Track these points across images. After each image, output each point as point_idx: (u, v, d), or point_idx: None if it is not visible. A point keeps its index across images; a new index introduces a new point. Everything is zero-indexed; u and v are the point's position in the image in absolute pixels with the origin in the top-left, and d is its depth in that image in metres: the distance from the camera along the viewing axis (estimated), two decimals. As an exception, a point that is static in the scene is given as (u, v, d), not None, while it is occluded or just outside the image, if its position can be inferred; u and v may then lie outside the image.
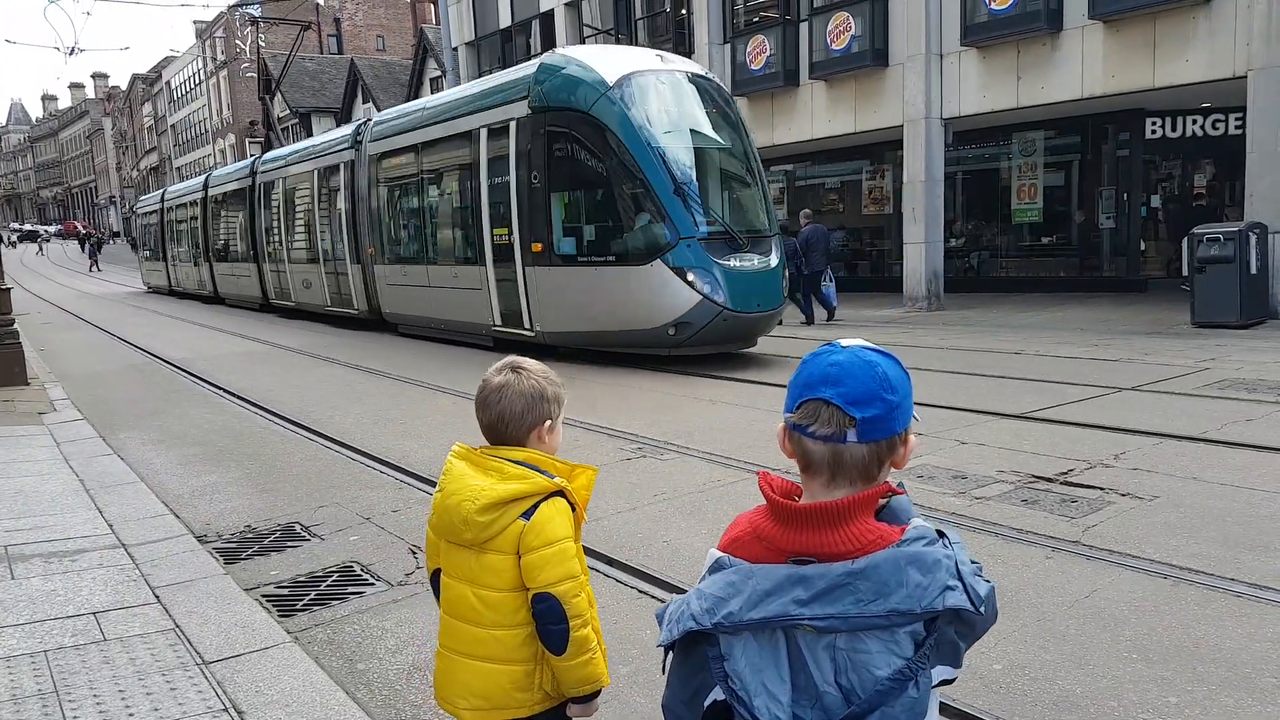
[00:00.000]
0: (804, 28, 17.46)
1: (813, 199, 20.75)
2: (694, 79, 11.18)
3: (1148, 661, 3.24)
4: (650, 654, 3.25)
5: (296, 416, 8.44)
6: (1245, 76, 12.09)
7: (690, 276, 9.89)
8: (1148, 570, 4.04)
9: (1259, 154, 12.01)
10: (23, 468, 6.52)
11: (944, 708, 2.84)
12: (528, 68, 11.73)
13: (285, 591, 4.29)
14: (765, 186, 11.35)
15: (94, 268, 46.36)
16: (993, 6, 14.54)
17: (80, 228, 77.04)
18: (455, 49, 27.90)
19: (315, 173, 17.65)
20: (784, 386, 1.30)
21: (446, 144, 13.22)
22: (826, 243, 15.35)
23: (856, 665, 1.17)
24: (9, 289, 10.47)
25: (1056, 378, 8.63)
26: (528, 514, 1.86)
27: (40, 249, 63.76)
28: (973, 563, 1.22)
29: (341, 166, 16.39)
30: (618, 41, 21.11)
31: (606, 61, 10.78)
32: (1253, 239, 11.41)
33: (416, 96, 30.68)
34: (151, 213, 31.88)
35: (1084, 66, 13.80)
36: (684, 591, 1.29)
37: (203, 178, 26.66)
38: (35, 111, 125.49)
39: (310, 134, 32.02)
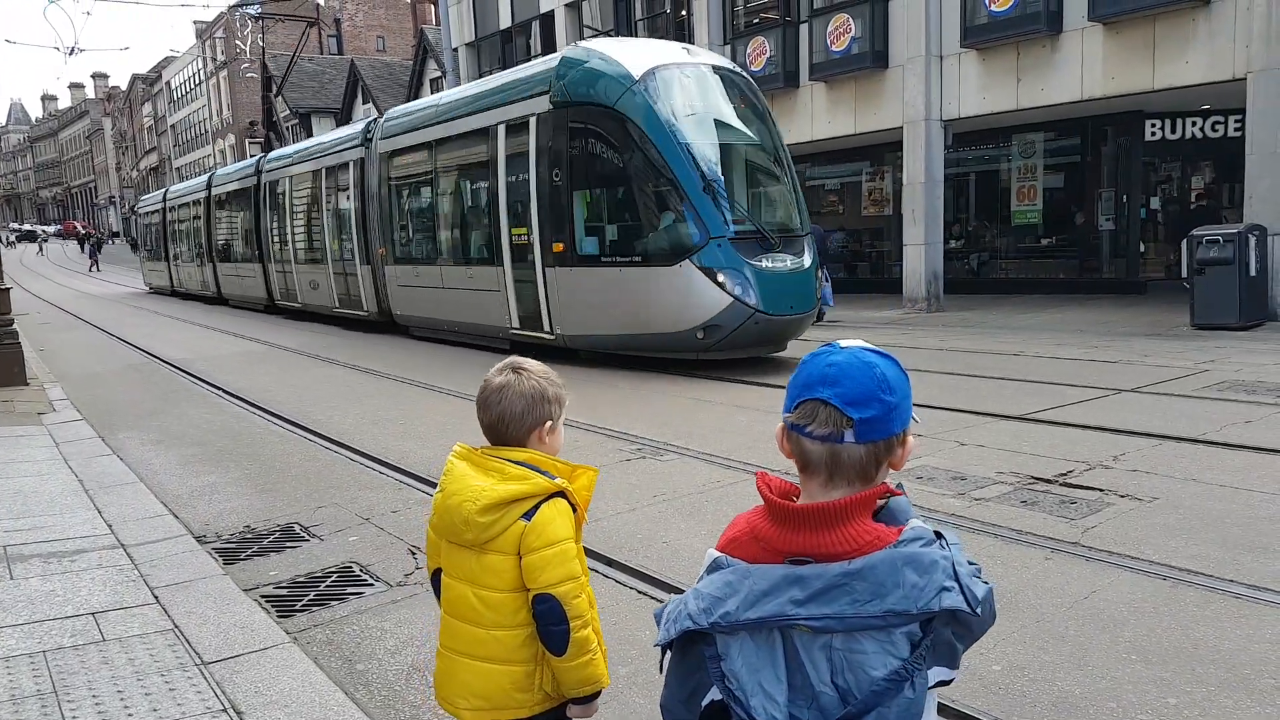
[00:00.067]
0: (804, 29, 17.47)
1: (813, 200, 20.74)
2: (722, 72, 10.85)
3: (1147, 663, 3.25)
4: (649, 655, 3.24)
5: (296, 417, 8.44)
6: (1245, 78, 12.10)
7: (720, 277, 9.51)
8: (1147, 571, 4.04)
9: (1258, 156, 12.02)
10: (22, 468, 6.52)
11: (943, 708, 2.84)
12: (548, 62, 11.36)
13: (284, 592, 4.29)
14: (796, 183, 10.96)
15: (94, 268, 46.39)
16: (993, 8, 14.55)
17: (80, 228, 77.04)
18: (455, 50, 27.92)
19: (323, 171, 17.34)
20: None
21: (461, 141, 12.85)
22: (823, 244, 15.35)
23: (853, 665, 1.17)
24: (8, 289, 10.48)
25: (1056, 379, 8.63)
26: (529, 515, 1.86)
27: (40, 249, 63.78)
28: (971, 564, 1.22)
29: (350, 165, 16.06)
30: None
31: (631, 54, 10.43)
32: (1252, 241, 11.41)
33: (416, 97, 30.67)
34: (153, 212, 31.69)
35: (1084, 68, 13.81)
36: (683, 592, 1.29)
37: (206, 177, 26.44)
38: (35, 111, 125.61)
39: (310, 134, 31.95)
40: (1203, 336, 10.98)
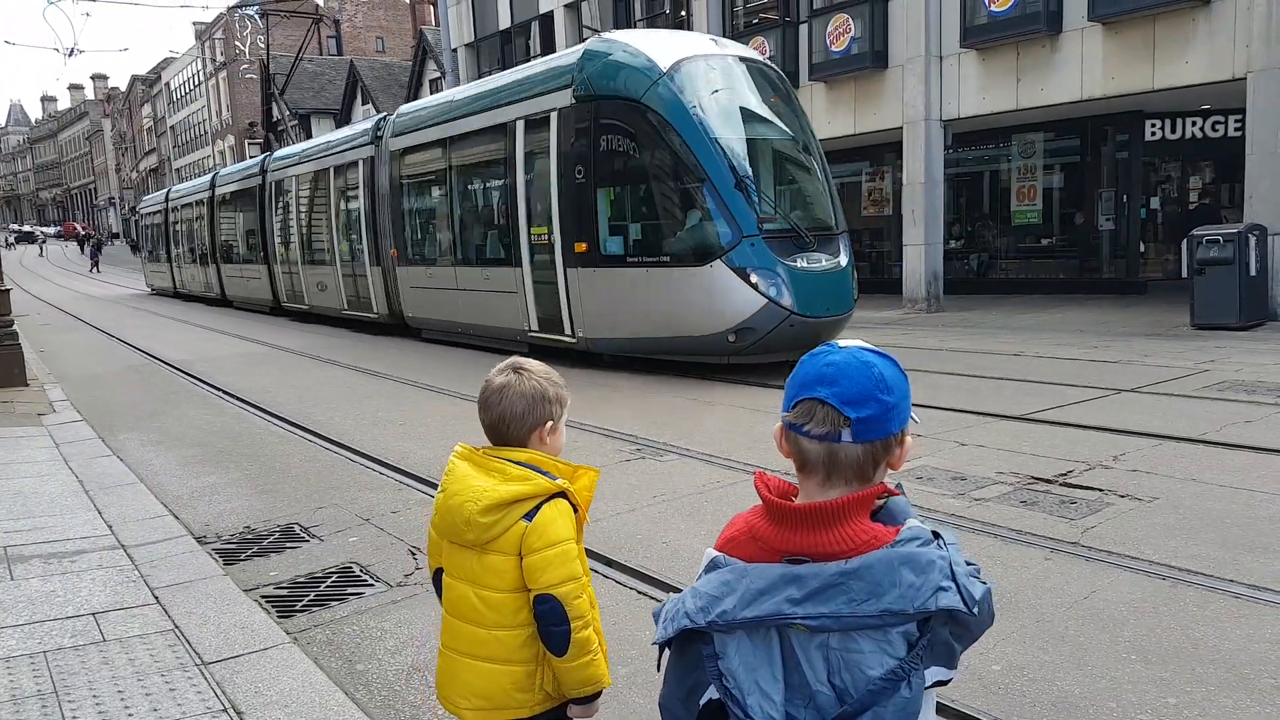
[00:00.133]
0: (803, 29, 17.47)
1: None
2: (751, 63, 10.44)
3: (1146, 662, 3.25)
4: (649, 655, 3.24)
5: (297, 418, 8.44)
6: (1245, 78, 12.09)
7: (753, 278, 9.09)
8: (1147, 571, 4.04)
9: (1258, 156, 12.02)
10: (22, 469, 6.52)
11: (943, 708, 2.85)
12: (570, 54, 10.99)
13: (284, 592, 4.30)
14: (830, 180, 10.55)
15: (94, 269, 46.45)
16: (992, 8, 14.55)
17: (80, 229, 77.06)
18: (455, 50, 27.92)
19: (330, 170, 16.94)
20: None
21: (478, 137, 12.43)
22: None
23: (849, 665, 1.17)
24: (8, 290, 10.48)
25: (1056, 379, 8.63)
26: (530, 515, 1.87)
27: (41, 250, 63.84)
28: (969, 564, 1.22)
29: (360, 163, 15.66)
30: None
31: (657, 45, 10.02)
32: (1252, 241, 11.41)
33: (416, 98, 30.66)
34: (155, 213, 31.46)
35: (1083, 68, 13.81)
36: (682, 591, 1.30)
37: (209, 176, 26.11)
38: (34, 113, 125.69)
39: (310, 135, 31.85)
40: (1203, 336, 10.98)
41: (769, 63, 11.19)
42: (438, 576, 2.04)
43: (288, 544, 4.98)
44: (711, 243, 9.28)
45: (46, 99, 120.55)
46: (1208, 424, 6.58)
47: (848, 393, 1.22)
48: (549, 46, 23.40)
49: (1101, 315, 13.59)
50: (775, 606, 1.18)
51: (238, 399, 9.69)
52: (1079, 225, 17.51)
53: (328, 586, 4.34)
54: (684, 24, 20.05)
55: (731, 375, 9.65)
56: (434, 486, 1.91)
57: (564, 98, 10.45)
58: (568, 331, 10.79)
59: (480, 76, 23.59)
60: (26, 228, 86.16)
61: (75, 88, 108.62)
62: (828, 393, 1.23)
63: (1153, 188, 17.38)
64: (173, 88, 66.44)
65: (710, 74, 9.83)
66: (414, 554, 4.67)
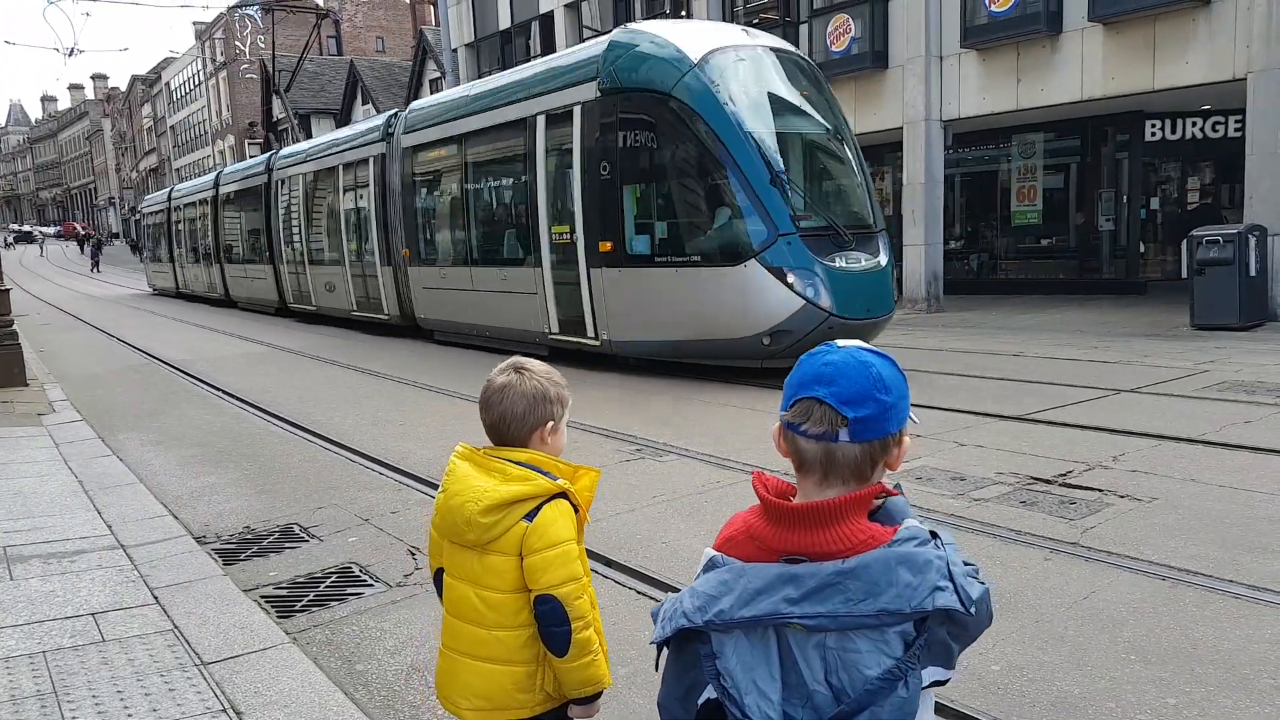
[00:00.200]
0: (804, 29, 17.46)
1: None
2: (784, 54, 10.03)
3: (1146, 663, 3.25)
4: (649, 655, 3.24)
5: (297, 418, 8.44)
6: (1245, 79, 12.10)
7: (790, 278, 8.68)
8: (1146, 572, 4.04)
9: (1258, 156, 12.03)
10: (22, 469, 6.52)
11: (942, 709, 2.85)
12: (594, 46, 10.60)
13: (284, 592, 4.30)
14: (868, 175, 10.17)
15: (95, 269, 46.53)
16: (992, 9, 14.56)
17: (80, 229, 77.08)
18: (455, 50, 27.92)
19: (340, 168, 16.54)
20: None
21: (495, 133, 12.04)
22: None
23: (846, 664, 1.17)
24: (8, 290, 10.48)
25: (1056, 379, 8.64)
26: (530, 516, 1.87)
27: (42, 250, 63.88)
28: (967, 564, 1.22)
29: (370, 161, 15.24)
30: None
31: (687, 36, 9.64)
32: (1252, 241, 11.42)
33: (416, 98, 30.64)
34: (158, 212, 31.21)
35: (1083, 69, 13.81)
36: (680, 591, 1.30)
37: (213, 175, 25.81)
38: (34, 112, 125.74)
39: (310, 135, 31.81)
40: (1202, 337, 10.99)
41: (802, 54, 10.78)
42: (438, 576, 2.04)
43: (287, 544, 4.98)
44: (745, 241, 8.89)
45: (46, 99, 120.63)
46: (1207, 424, 6.58)
47: (845, 392, 1.22)
48: (549, 46, 23.40)
49: (1101, 315, 13.59)
50: (772, 606, 1.18)
51: (238, 399, 9.69)
52: (1079, 226, 17.52)
53: (327, 587, 4.34)
54: (684, 24, 20.03)
55: (732, 376, 9.61)
56: (434, 487, 1.90)
57: (588, 91, 10.10)
58: (590, 334, 10.43)
59: (480, 76, 23.57)
60: (25, 228, 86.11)
61: (75, 88, 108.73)
62: (825, 392, 1.23)
63: (1153, 188, 17.38)
64: (173, 88, 66.48)
65: (742, 65, 9.45)
66: (413, 554, 4.67)
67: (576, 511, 1.93)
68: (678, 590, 1.30)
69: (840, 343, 1.30)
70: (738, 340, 9.03)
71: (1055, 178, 17.83)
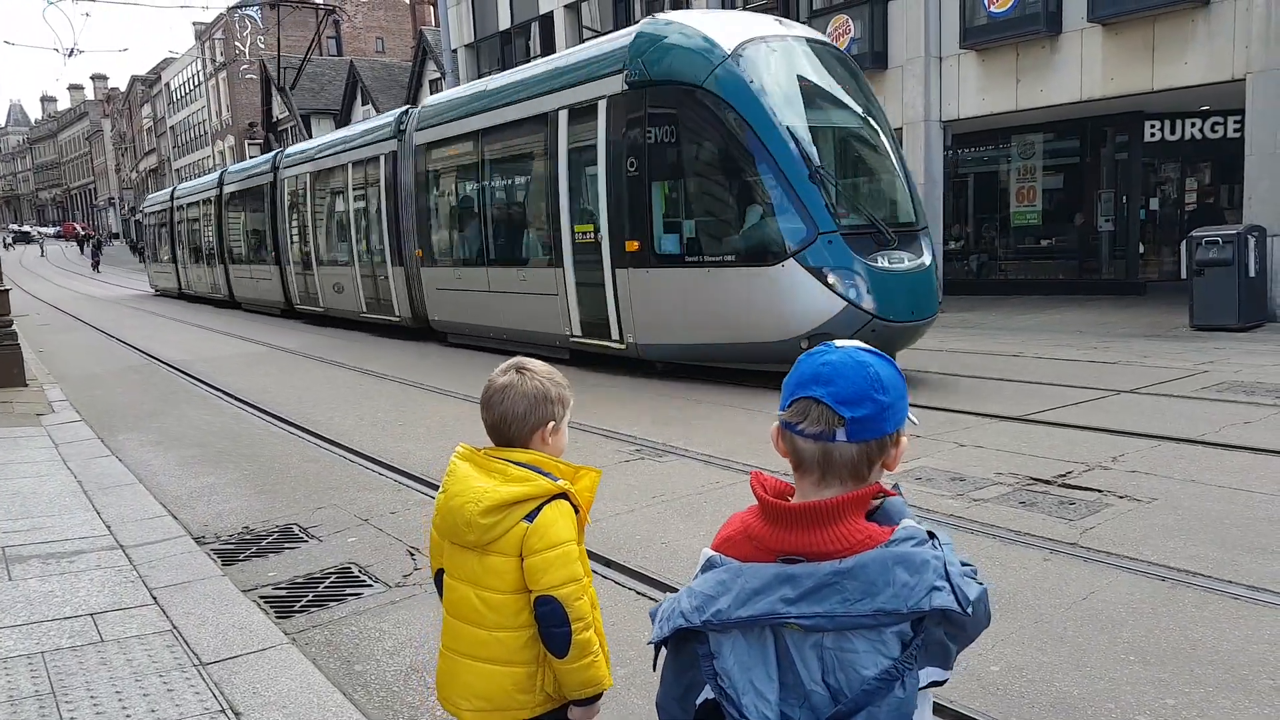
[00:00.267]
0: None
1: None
2: (820, 46, 9.69)
3: (1145, 663, 3.25)
4: (648, 655, 3.24)
5: (297, 418, 8.43)
6: (1244, 79, 12.11)
7: (830, 278, 8.32)
8: (1145, 572, 4.04)
9: (1258, 157, 12.03)
10: (21, 469, 6.52)
11: (941, 709, 2.85)
12: (620, 37, 10.21)
13: (283, 593, 4.29)
14: (908, 171, 9.78)
15: (95, 269, 46.62)
16: (992, 9, 14.57)
17: (79, 229, 77.09)
18: (455, 51, 27.92)
19: (349, 166, 16.17)
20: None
21: (513, 129, 11.68)
22: None
23: (843, 664, 1.17)
24: (8, 290, 10.47)
25: (1055, 380, 8.63)
26: (531, 516, 1.87)
27: (42, 251, 63.91)
28: (965, 565, 1.22)
29: (382, 159, 14.85)
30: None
31: (719, 26, 9.29)
32: (1251, 242, 11.42)
33: (416, 99, 30.67)
34: (160, 212, 30.97)
35: (1083, 69, 13.82)
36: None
37: (217, 174, 25.54)
38: (34, 113, 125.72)
39: (309, 135, 31.80)
40: (1202, 337, 10.99)
41: (836, 46, 10.39)
42: (439, 577, 2.04)
43: (286, 544, 4.98)
44: (783, 240, 8.50)
45: (46, 99, 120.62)
46: (1206, 425, 6.58)
47: (843, 392, 1.22)
48: (549, 47, 23.41)
49: (1101, 316, 13.59)
50: (770, 606, 1.18)
51: (238, 399, 9.69)
52: (1078, 226, 17.52)
53: (326, 587, 4.34)
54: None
55: (732, 376, 9.59)
56: (433, 487, 1.90)
57: (614, 84, 9.71)
58: (615, 337, 10.05)
59: (480, 77, 23.55)
60: (24, 228, 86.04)
61: (75, 88, 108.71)
62: (823, 392, 1.23)
63: (1152, 189, 17.38)
64: (172, 88, 66.48)
65: (776, 56, 9.07)
66: (413, 554, 4.67)
67: (577, 512, 1.93)
68: (677, 591, 1.30)
69: (838, 343, 1.30)
70: (773, 344, 8.58)
71: (1055, 178, 17.83)
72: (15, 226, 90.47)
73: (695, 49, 9.05)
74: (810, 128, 8.88)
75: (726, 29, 9.20)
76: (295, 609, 4.10)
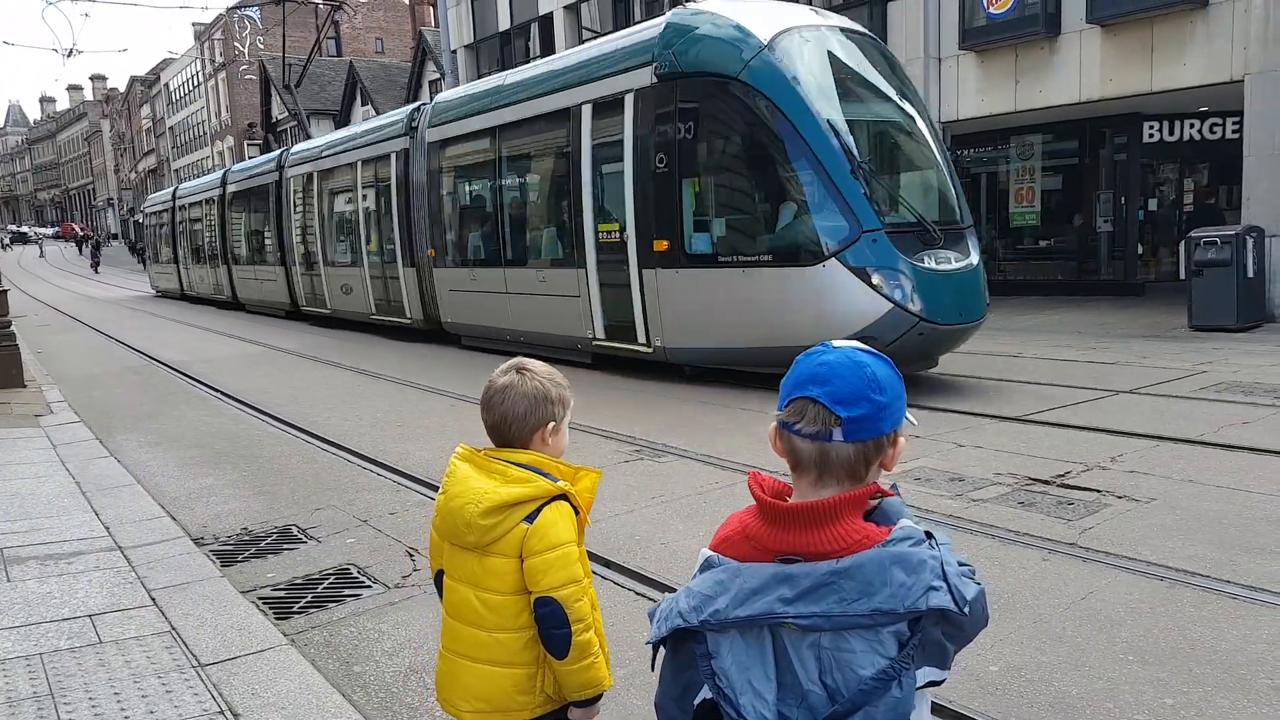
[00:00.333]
0: (802, 31, 17.45)
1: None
2: (859, 36, 9.31)
3: (1144, 663, 3.25)
4: (647, 656, 3.24)
5: (296, 419, 8.43)
6: (1242, 80, 12.12)
7: (875, 279, 7.96)
8: (1144, 572, 4.04)
9: (1256, 158, 12.05)
10: (19, 470, 6.51)
11: (940, 709, 2.85)
12: (650, 28, 9.75)
13: (282, 594, 4.29)
14: (952, 167, 9.33)
15: (95, 269, 46.66)
16: (991, 11, 14.58)
17: (78, 230, 77.06)
18: (454, 52, 27.93)
19: (357, 164, 15.76)
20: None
21: (533, 125, 11.28)
22: None
23: (841, 664, 1.17)
24: (6, 291, 10.46)
25: (1054, 380, 8.64)
26: (531, 518, 1.86)
27: (41, 251, 63.90)
28: (963, 565, 1.22)
29: (393, 157, 14.45)
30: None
31: (753, 15, 8.87)
32: (1250, 242, 11.43)
33: (415, 99, 30.61)
34: (161, 212, 30.73)
35: (1082, 71, 13.83)
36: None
37: (220, 173, 25.28)
38: (33, 113, 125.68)
39: (308, 136, 31.77)
40: (1200, 338, 10.99)
41: (875, 37, 10.07)
42: (439, 578, 2.04)
43: (285, 545, 4.97)
44: (824, 238, 8.13)
45: (45, 99, 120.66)
46: (1205, 425, 6.58)
47: (839, 392, 1.23)
48: (548, 48, 23.41)
49: (1099, 316, 13.60)
50: (767, 606, 1.19)
51: (236, 400, 9.69)
52: (1077, 227, 17.53)
53: (325, 588, 4.34)
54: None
55: (732, 377, 9.57)
56: (432, 488, 1.90)
57: (643, 76, 9.34)
58: (642, 340, 9.65)
59: (480, 78, 23.54)
60: (21, 229, 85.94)
61: (74, 88, 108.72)
62: (819, 392, 1.23)
63: (1150, 189, 17.39)
64: (172, 88, 66.46)
65: (812, 47, 8.72)
66: (412, 555, 4.67)
67: (577, 513, 1.93)
68: (676, 591, 1.31)
69: (836, 343, 1.31)
70: None
71: (1053, 179, 17.83)
72: (14, 227, 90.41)
73: (728, 39, 8.69)
74: (850, 121, 8.51)
75: (760, 18, 8.83)
76: (294, 610, 4.10)
